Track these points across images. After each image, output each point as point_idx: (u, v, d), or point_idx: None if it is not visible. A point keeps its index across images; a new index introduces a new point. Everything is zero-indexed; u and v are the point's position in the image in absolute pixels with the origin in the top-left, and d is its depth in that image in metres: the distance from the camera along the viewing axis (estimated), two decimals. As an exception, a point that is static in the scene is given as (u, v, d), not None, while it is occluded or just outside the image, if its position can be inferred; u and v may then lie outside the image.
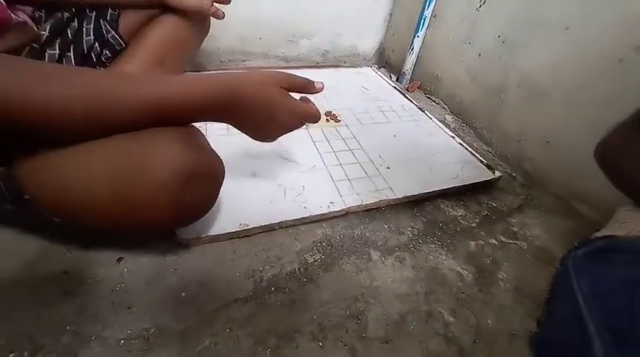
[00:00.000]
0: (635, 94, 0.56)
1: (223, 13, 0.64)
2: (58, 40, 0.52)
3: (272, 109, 0.41)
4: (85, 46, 0.54)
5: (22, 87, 0.29)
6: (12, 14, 0.43)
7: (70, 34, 0.53)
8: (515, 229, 0.61)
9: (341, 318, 0.43)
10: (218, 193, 0.41)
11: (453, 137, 0.78)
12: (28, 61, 0.33)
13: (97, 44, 0.56)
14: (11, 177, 0.35)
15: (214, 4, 0.63)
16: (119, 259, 0.45)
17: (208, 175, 0.38)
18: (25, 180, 0.35)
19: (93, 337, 0.38)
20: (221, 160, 0.40)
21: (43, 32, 0.49)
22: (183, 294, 0.42)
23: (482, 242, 0.57)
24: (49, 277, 0.42)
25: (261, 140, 0.46)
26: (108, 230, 0.43)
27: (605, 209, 0.64)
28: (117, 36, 0.57)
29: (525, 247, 0.58)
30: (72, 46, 0.53)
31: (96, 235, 0.46)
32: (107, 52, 0.57)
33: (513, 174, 0.75)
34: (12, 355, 0.35)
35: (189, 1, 0.61)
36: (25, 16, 0.46)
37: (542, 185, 0.71)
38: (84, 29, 0.55)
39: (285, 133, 0.46)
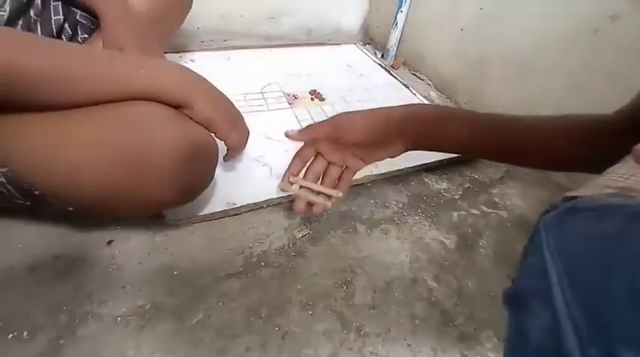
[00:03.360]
0: (610, 63, 0.57)
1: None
2: (20, 21, 0.49)
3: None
4: (53, 26, 0.52)
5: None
6: None
7: (32, 13, 0.51)
8: (496, 200, 0.64)
9: (329, 288, 0.45)
10: (216, 167, 0.43)
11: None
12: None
13: (67, 25, 0.53)
14: (17, 177, 0.36)
15: None
16: (109, 242, 0.46)
17: (206, 150, 0.40)
18: (30, 177, 0.36)
19: (90, 316, 0.39)
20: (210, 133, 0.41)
21: (2, 13, 0.47)
22: (176, 272, 0.44)
23: (465, 213, 0.60)
24: (41, 262, 0.43)
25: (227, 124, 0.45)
26: (115, 213, 0.45)
27: (580, 177, 0.67)
28: (86, 14, 0.54)
29: (505, 216, 0.60)
30: (39, 27, 0.51)
31: (87, 218, 0.46)
32: (83, 33, 0.55)
33: (495, 147, 0.77)
34: (11, 336, 0.37)
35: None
36: None
37: (523, 156, 0.73)
38: (51, 7, 0.52)
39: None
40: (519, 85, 0.72)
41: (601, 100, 0.55)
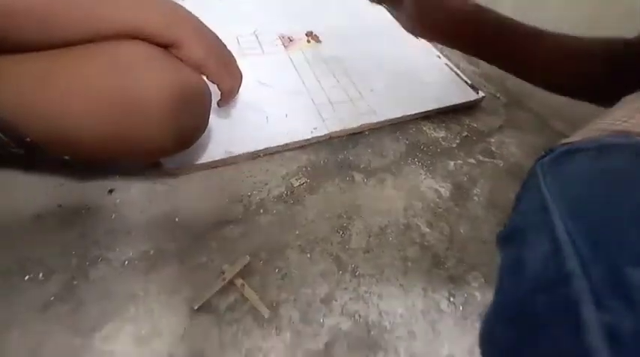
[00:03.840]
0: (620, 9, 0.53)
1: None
2: None
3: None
4: None
5: None
6: None
7: None
8: (493, 148, 0.63)
9: (326, 233, 0.46)
10: (209, 112, 0.42)
11: (440, 57, 0.75)
12: None
13: None
14: (8, 123, 0.34)
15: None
16: (110, 191, 0.46)
17: (200, 95, 0.39)
18: (20, 122, 0.35)
19: (99, 260, 0.41)
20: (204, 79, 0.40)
21: None
22: (177, 219, 0.45)
23: (461, 162, 0.60)
24: (46, 210, 0.44)
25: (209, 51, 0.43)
26: (113, 162, 0.45)
27: (578, 124, 0.66)
28: None
29: (501, 165, 0.61)
30: None
31: (86, 168, 0.46)
32: None
33: (497, 94, 0.74)
34: (27, 277, 0.39)
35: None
36: None
37: (524, 104, 0.72)
38: None
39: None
40: (534, 18, 0.67)
41: (619, 33, 0.51)
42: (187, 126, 0.39)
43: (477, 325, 0.41)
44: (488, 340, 0.19)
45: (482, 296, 0.44)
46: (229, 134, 0.52)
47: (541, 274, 0.17)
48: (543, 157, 0.28)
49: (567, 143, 0.27)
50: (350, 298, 0.41)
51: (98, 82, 0.33)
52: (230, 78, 0.45)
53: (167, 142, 0.38)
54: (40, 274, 0.39)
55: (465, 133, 0.65)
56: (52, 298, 0.37)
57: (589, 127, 0.29)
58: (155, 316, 0.37)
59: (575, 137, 0.28)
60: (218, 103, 0.48)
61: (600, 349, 0.13)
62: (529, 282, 0.17)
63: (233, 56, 0.45)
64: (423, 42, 0.78)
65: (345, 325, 0.39)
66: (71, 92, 0.33)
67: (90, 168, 0.47)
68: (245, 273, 0.41)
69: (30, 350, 0.34)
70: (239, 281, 0.40)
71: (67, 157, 0.39)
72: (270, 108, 0.56)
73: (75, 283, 0.39)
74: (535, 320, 0.16)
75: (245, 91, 0.55)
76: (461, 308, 0.42)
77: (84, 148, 0.37)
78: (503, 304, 0.19)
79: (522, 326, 0.17)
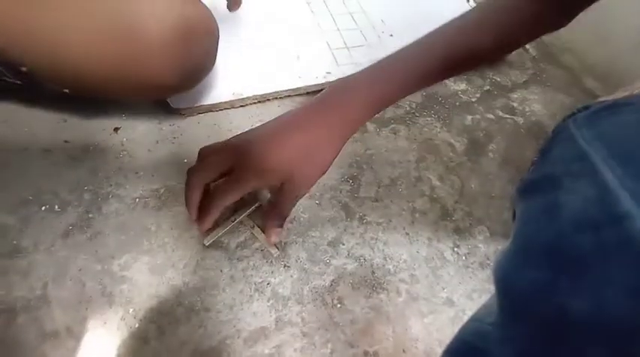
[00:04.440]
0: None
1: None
2: None
3: None
4: None
5: None
6: None
7: None
8: (514, 105, 0.60)
9: (336, 181, 0.46)
10: (217, 50, 0.40)
11: (468, 1, 0.69)
12: None
13: None
14: (2, 52, 0.33)
15: None
16: (116, 129, 0.46)
17: (206, 29, 0.37)
18: (14, 50, 0.33)
19: (110, 196, 0.41)
20: (212, 13, 0.37)
21: None
22: (186, 160, 0.45)
23: (479, 117, 0.57)
24: (53, 145, 0.43)
25: None
26: (116, 96, 0.44)
27: (612, 84, 0.62)
28: None
29: (521, 122, 0.58)
30: None
31: (89, 104, 0.45)
32: None
33: (526, 46, 0.69)
34: (44, 208, 0.40)
35: None
36: None
37: (556, 58, 0.67)
38: None
39: None
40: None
41: None
42: (193, 61, 0.37)
43: (478, 274, 0.42)
44: (513, 281, 0.19)
45: (486, 248, 0.45)
46: (237, 76, 0.49)
47: (584, 215, 0.17)
48: (573, 115, 0.26)
49: (603, 101, 0.26)
50: (356, 243, 0.42)
51: (93, 9, 0.31)
52: None
53: (171, 78, 0.36)
54: (56, 206, 0.40)
55: (487, 87, 0.61)
56: (71, 228, 0.39)
57: (629, 87, 0.28)
58: (168, 249, 0.39)
59: (615, 96, 0.26)
60: (228, 7, 0.46)
61: None
62: (568, 223, 0.17)
63: None
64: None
65: (351, 266, 0.40)
66: (66, 18, 0.32)
67: (93, 104, 0.46)
68: (254, 215, 0.42)
69: (56, 271, 0.36)
70: (249, 222, 0.41)
71: (66, 90, 0.38)
72: (281, 49, 0.53)
73: (90, 216, 0.40)
74: (577, 258, 0.16)
75: (254, 29, 0.52)
76: (464, 258, 0.43)
77: (82, 79, 0.35)
78: (530, 247, 0.19)
79: (559, 264, 0.17)
